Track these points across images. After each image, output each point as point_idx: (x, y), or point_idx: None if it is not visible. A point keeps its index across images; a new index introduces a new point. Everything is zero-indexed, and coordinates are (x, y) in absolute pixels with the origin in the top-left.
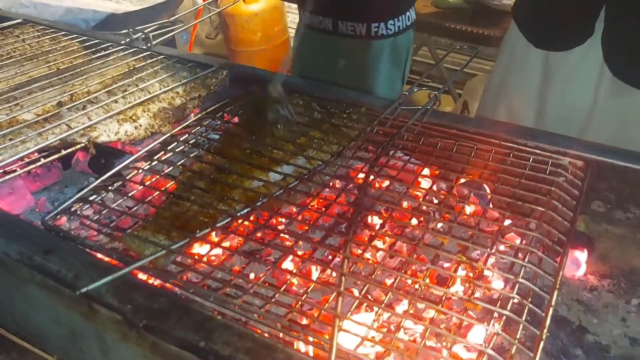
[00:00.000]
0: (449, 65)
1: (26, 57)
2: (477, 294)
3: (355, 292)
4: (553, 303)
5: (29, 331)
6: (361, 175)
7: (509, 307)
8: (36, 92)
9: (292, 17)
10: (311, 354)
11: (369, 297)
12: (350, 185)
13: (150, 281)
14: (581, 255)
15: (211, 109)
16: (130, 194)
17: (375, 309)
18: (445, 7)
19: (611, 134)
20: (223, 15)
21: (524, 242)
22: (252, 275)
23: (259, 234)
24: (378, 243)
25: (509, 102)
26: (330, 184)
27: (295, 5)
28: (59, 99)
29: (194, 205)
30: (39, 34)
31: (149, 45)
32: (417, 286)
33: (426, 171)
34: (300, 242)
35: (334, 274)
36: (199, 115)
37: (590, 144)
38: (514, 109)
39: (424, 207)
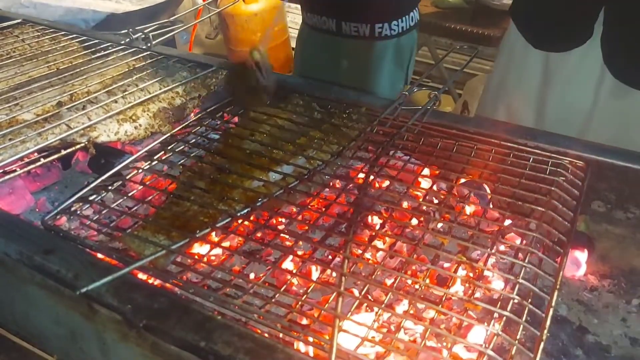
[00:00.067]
0: (449, 65)
1: (26, 57)
2: (477, 295)
3: (356, 293)
4: (553, 303)
5: (28, 331)
6: (361, 175)
7: (509, 308)
8: (36, 92)
9: (292, 17)
10: (311, 354)
11: (369, 297)
12: (350, 185)
13: (150, 281)
14: (581, 255)
15: (211, 109)
16: (130, 194)
17: (376, 309)
18: (445, 7)
19: (611, 134)
20: (223, 15)
21: (524, 242)
22: (252, 276)
23: (259, 234)
24: (378, 243)
25: (509, 102)
26: (330, 184)
27: (295, 5)
28: (58, 99)
29: (194, 205)
30: (39, 34)
31: (149, 45)
32: (417, 286)
33: (426, 171)
34: (300, 242)
35: (334, 274)
36: (199, 115)
37: (590, 144)
38: (514, 109)
39: (424, 207)
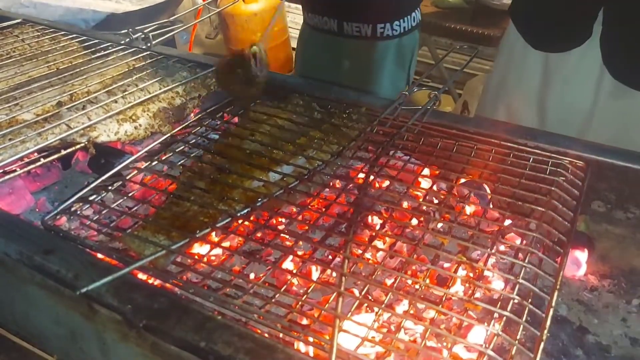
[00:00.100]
0: (449, 65)
1: (26, 57)
2: (477, 295)
3: (356, 293)
4: (553, 304)
5: (28, 331)
6: (361, 175)
7: (509, 308)
8: (36, 92)
9: (292, 17)
10: (311, 354)
11: (369, 297)
12: (350, 185)
13: (150, 281)
14: (581, 255)
15: (211, 109)
16: (130, 194)
17: (376, 309)
18: (445, 7)
19: (611, 134)
20: (223, 15)
21: (524, 242)
22: (252, 276)
23: (259, 234)
24: (378, 243)
25: (509, 102)
26: (331, 184)
27: (295, 5)
28: (58, 99)
29: (194, 206)
30: (39, 33)
31: (149, 45)
32: (417, 286)
33: (426, 171)
34: (301, 242)
35: (334, 274)
36: (199, 115)
37: (590, 144)
38: (514, 109)
39: (424, 207)
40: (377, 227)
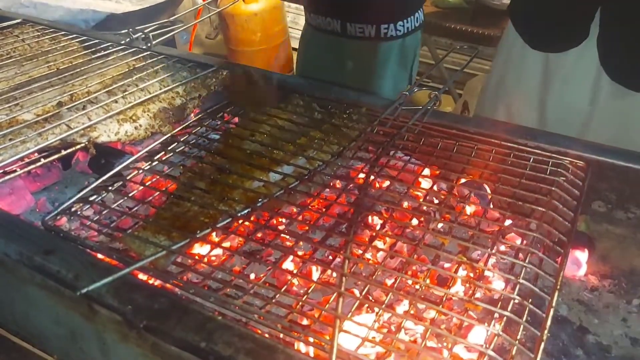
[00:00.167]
0: (449, 65)
1: (26, 57)
2: (477, 295)
3: (356, 293)
4: (554, 304)
5: (29, 331)
6: (361, 176)
7: (509, 308)
8: (36, 92)
9: (292, 17)
10: (312, 354)
11: (370, 297)
12: (351, 186)
13: (151, 282)
14: (582, 255)
15: (211, 109)
16: (130, 195)
17: (376, 309)
18: (445, 7)
19: (611, 134)
20: (223, 15)
21: (524, 242)
22: (252, 276)
23: (259, 235)
24: (378, 243)
25: (508, 102)
26: (331, 184)
27: (295, 5)
28: (58, 99)
29: (195, 206)
30: (39, 34)
31: (149, 45)
32: (417, 287)
33: (426, 171)
34: (301, 243)
35: (335, 275)
36: (199, 115)
37: (590, 144)
38: (513, 109)
39: (425, 208)
40: (378, 228)
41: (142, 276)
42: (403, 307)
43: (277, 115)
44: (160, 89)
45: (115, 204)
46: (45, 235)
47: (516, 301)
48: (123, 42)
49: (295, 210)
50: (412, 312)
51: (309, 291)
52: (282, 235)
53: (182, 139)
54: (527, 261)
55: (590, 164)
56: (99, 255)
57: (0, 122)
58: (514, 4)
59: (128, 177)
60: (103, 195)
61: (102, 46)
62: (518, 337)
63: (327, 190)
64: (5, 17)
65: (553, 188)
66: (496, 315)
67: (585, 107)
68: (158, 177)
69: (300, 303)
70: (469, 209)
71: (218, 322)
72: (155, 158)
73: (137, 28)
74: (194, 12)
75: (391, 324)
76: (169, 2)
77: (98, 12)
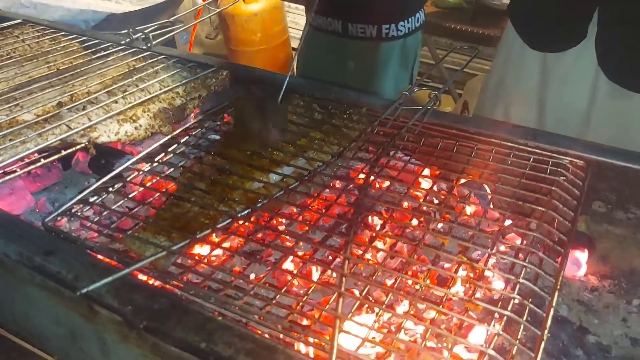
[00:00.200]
0: (449, 65)
1: (26, 57)
2: (477, 295)
3: (356, 293)
4: (554, 304)
5: (29, 331)
6: (362, 176)
7: (509, 308)
8: (36, 93)
9: (292, 17)
10: (312, 355)
11: (370, 298)
12: (351, 186)
13: (151, 282)
14: (582, 255)
15: (211, 110)
16: (130, 195)
17: (376, 309)
18: (445, 7)
19: (609, 135)
20: (223, 15)
21: (524, 242)
22: (252, 276)
23: (259, 235)
24: (379, 244)
25: (507, 102)
26: (331, 184)
27: (295, 5)
28: (59, 100)
29: (195, 207)
30: (39, 34)
31: (149, 45)
32: (417, 287)
33: (426, 171)
34: (301, 243)
35: (335, 275)
36: (200, 116)
37: (590, 144)
38: (512, 109)
39: (425, 208)
40: (378, 228)
41: (142, 277)
42: (403, 307)
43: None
44: (160, 89)
45: (116, 205)
46: (45, 236)
47: (516, 301)
48: (123, 42)
49: (295, 210)
50: (412, 312)
51: (309, 292)
52: (282, 235)
53: (182, 140)
54: (527, 261)
55: (590, 164)
56: (99, 256)
57: (0, 122)
58: (514, 4)
59: (128, 179)
60: (103, 197)
61: (102, 46)
62: (518, 337)
63: (327, 190)
64: (5, 18)
65: (553, 188)
66: (496, 315)
67: (584, 107)
68: (158, 178)
69: (300, 303)
70: (469, 209)
71: (218, 322)
72: (156, 159)
73: (137, 28)
74: (194, 12)
75: (391, 324)
76: (169, 2)
77: (98, 12)
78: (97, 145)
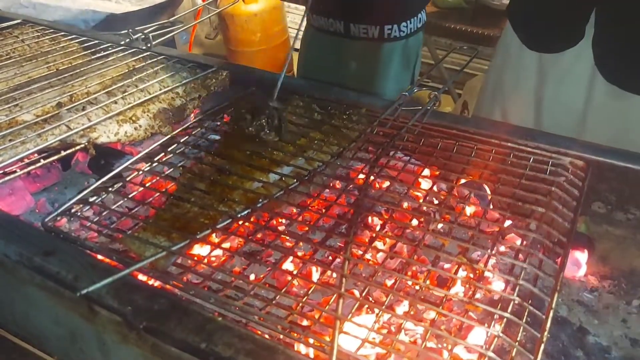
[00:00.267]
0: (449, 65)
1: (25, 57)
2: (477, 296)
3: (356, 294)
4: (553, 305)
5: (29, 332)
6: (361, 176)
7: (509, 309)
8: (36, 93)
9: (292, 17)
10: (312, 355)
11: (370, 298)
12: (351, 186)
13: (151, 282)
14: (581, 256)
15: (211, 110)
16: (130, 196)
17: (376, 310)
18: (445, 7)
19: (606, 135)
20: (222, 15)
21: (524, 243)
22: (252, 277)
23: (259, 235)
24: (378, 244)
25: (505, 102)
26: (331, 184)
27: (295, 5)
28: (58, 100)
29: (195, 207)
30: (39, 34)
31: (149, 45)
32: (417, 287)
33: (426, 172)
34: (301, 243)
35: (335, 275)
36: (199, 116)
37: (590, 144)
38: (510, 109)
39: (425, 208)
40: (378, 228)
41: (142, 277)
42: (403, 308)
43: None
44: (160, 90)
45: (115, 205)
46: (45, 236)
47: (516, 302)
48: (123, 42)
49: (295, 211)
50: (412, 313)
51: (309, 292)
52: (282, 236)
53: (182, 140)
54: (527, 262)
55: (590, 164)
56: (99, 256)
57: (0, 123)
58: (512, 5)
59: (128, 178)
60: (103, 196)
61: (101, 47)
62: (518, 338)
63: (327, 191)
64: (4, 18)
65: (553, 188)
66: (496, 316)
67: (580, 107)
68: (158, 178)
69: (300, 304)
70: (469, 210)
71: (218, 323)
72: (155, 159)
73: (137, 28)
74: (193, 12)
75: (391, 324)
76: (169, 2)
77: (98, 12)
78: (96, 146)
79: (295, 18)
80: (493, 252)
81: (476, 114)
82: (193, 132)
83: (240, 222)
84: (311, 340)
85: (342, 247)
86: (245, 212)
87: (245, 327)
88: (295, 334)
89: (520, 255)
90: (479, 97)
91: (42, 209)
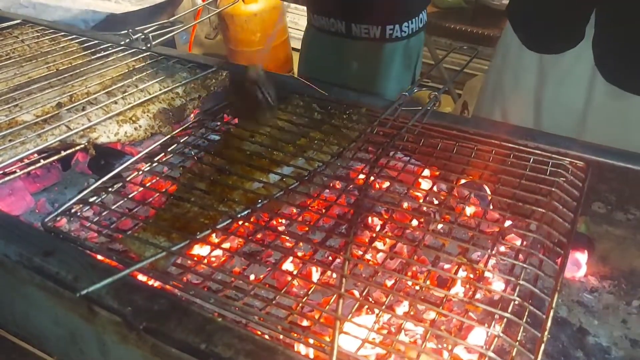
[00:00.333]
0: (449, 65)
1: (25, 57)
2: (477, 296)
3: (356, 294)
4: (554, 305)
5: (28, 332)
6: (361, 176)
7: (509, 309)
8: (35, 93)
9: (292, 17)
10: (312, 356)
11: (370, 298)
12: (351, 187)
13: (151, 283)
14: (581, 256)
15: (211, 110)
16: (130, 196)
17: (376, 310)
18: (445, 7)
19: (606, 136)
20: (222, 15)
21: (524, 243)
22: (252, 277)
23: (259, 236)
24: (378, 244)
25: (505, 103)
26: (331, 185)
27: (295, 5)
28: (58, 100)
29: (194, 207)
30: (38, 34)
31: (149, 45)
32: (417, 288)
33: (426, 172)
34: (301, 244)
35: (335, 276)
36: (199, 116)
37: (590, 144)
38: (509, 109)
39: (425, 208)
40: (378, 228)
41: (142, 277)
42: (403, 308)
43: (276, 116)
44: (160, 90)
45: (115, 205)
46: (44, 237)
47: (516, 302)
48: (123, 42)
49: (295, 211)
50: (412, 313)
51: (309, 292)
52: (282, 236)
53: (181, 140)
54: (527, 262)
55: (590, 164)
56: (99, 257)
57: (0, 123)
58: (512, 5)
59: (128, 179)
60: (103, 197)
61: (101, 47)
62: (518, 338)
63: (327, 191)
64: (4, 18)
65: (553, 189)
66: (496, 316)
67: (580, 108)
68: (158, 178)
69: (300, 304)
70: (469, 210)
71: (218, 323)
72: (155, 159)
73: (136, 29)
74: (193, 12)
75: (391, 325)
76: (168, 2)
77: (98, 12)
78: (96, 146)
79: (295, 18)
80: (493, 252)
81: (476, 114)
82: (193, 132)
83: (240, 223)
84: (311, 341)
85: (342, 247)
86: (245, 212)
87: (245, 328)
88: (295, 335)
89: (521, 256)
90: (479, 98)
91: (42, 209)
